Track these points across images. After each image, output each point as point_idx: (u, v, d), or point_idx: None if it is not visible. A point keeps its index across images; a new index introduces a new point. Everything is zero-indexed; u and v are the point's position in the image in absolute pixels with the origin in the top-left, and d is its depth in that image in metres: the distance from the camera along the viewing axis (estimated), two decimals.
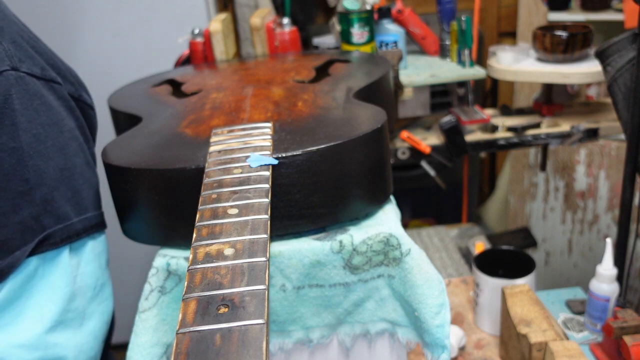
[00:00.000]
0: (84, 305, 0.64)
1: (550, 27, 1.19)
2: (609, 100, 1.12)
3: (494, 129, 1.17)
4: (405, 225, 1.95)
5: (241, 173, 0.54)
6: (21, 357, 0.58)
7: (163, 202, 0.60)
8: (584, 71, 1.10)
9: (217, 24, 1.04)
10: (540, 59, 1.17)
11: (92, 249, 0.67)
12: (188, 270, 0.41)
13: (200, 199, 0.51)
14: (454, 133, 1.14)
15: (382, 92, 0.82)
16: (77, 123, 0.66)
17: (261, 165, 0.55)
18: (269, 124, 0.65)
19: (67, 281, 0.62)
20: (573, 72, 1.11)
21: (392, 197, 0.70)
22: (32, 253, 0.59)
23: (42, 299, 0.60)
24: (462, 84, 1.23)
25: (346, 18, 1.08)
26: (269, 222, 0.46)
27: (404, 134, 1.16)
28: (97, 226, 0.67)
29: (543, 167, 1.35)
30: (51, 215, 0.60)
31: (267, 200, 0.49)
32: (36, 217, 0.59)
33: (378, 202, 0.66)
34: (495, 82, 1.79)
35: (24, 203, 0.58)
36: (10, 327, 0.59)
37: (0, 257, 0.57)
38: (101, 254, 0.69)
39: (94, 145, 0.71)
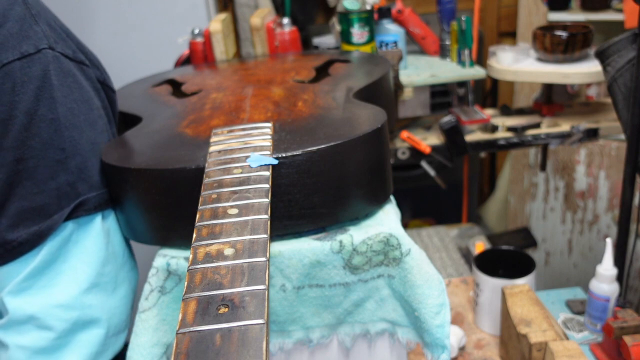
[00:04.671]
0: (116, 271, 0.68)
1: (550, 27, 1.18)
2: (609, 100, 1.12)
3: (494, 129, 1.17)
4: (405, 225, 1.95)
5: (241, 173, 0.54)
6: (59, 316, 0.62)
7: (163, 202, 0.60)
8: (584, 71, 1.10)
9: (217, 24, 1.04)
10: (540, 59, 1.17)
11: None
12: (188, 270, 0.41)
13: (200, 199, 0.51)
14: (454, 133, 1.14)
15: (382, 92, 0.82)
16: (102, 104, 0.70)
17: (261, 165, 0.55)
18: (269, 124, 0.65)
19: (100, 246, 0.65)
20: (573, 72, 1.11)
21: (392, 197, 0.70)
22: (67, 218, 0.63)
23: (77, 262, 0.64)
24: (462, 84, 1.23)
25: (346, 18, 1.08)
26: (269, 222, 0.46)
27: (404, 134, 1.16)
28: None
29: (543, 167, 1.35)
30: (85, 183, 0.64)
31: (267, 200, 0.49)
32: (72, 184, 0.63)
33: (378, 202, 0.65)
34: (495, 82, 1.79)
35: (61, 170, 0.62)
36: (49, 288, 0.63)
37: (40, 221, 0.61)
38: None
39: (115, 126, 0.75)
